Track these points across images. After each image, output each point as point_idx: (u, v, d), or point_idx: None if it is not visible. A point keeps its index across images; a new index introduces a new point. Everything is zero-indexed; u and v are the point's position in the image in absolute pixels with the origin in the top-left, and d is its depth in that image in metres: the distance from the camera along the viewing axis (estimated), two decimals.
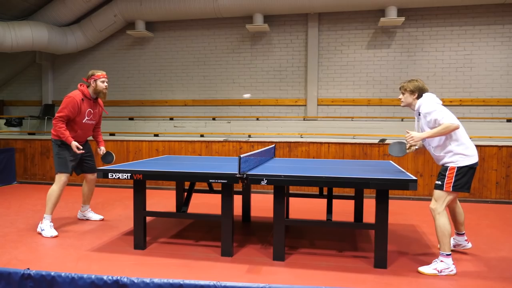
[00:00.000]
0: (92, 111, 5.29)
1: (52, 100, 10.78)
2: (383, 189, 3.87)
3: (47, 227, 5.06)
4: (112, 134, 9.66)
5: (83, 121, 5.23)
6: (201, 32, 9.96)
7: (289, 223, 4.37)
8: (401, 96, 4.11)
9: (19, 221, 5.73)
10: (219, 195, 5.25)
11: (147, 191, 4.64)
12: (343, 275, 3.80)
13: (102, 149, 5.55)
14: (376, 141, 7.97)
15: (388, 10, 8.52)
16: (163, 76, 10.23)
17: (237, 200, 5.93)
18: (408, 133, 3.93)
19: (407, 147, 4.35)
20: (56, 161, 5.18)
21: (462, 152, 3.82)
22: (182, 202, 5.39)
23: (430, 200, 7.52)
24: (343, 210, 6.25)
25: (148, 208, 4.76)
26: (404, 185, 3.68)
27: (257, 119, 9.53)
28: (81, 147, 5.14)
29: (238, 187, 6.92)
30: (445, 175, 3.84)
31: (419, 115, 3.98)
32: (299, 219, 5.66)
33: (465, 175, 3.82)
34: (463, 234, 4.49)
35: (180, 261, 4.14)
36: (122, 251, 4.45)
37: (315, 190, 7.31)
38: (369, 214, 5.60)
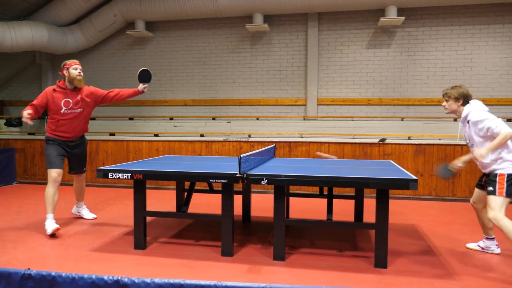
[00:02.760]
0: (71, 101, 5.27)
1: None
2: (384, 189, 3.87)
3: (48, 224, 5.07)
4: (112, 134, 9.65)
5: (62, 111, 5.26)
6: (201, 32, 9.96)
7: (289, 223, 4.37)
8: (444, 103, 4.18)
9: (19, 221, 5.73)
10: (219, 195, 5.26)
11: (147, 191, 4.64)
12: (343, 274, 3.80)
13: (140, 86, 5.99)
14: (376, 140, 7.98)
15: (388, 9, 8.52)
16: (163, 76, 10.23)
17: (237, 200, 5.93)
18: (474, 153, 3.94)
19: (453, 166, 4.37)
20: (45, 158, 5.33)
21: (511, 159, 3.90)
22: (182, 202, 5.39)
23: (430, 199, 7.54)
24: (343, 210, 6.25)
25: (148, 208, 4.77)
26: (404, 184, 3.69)
27: (257, 119, 9.53)
28: (28, 115, 4.99)
29: (238, 187, 6.92)
30: (495, 181, 3.89)
31: (468, 122, 4.03)
32: (299, 218, 5.66)
33: None
34: (493, 238, 4.48)
35: (180, 261, 4.15)
36: (123, 251, 4.45)
37: (315, 190, 7.32)
38: (369, 214, 5.60)
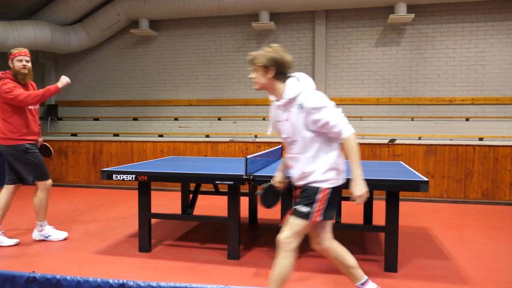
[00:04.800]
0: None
1: (55, 100, 10.84)
2: (394, 191, 3.86)
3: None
4: (116, 135, 9.70)
5: (29, 107, 4.82)
6: (206, 31, 9.98)
7: None
8: (252, 74, 2.90)
9: (22, 223, 5.78)
10: (225, 197, 5.26)
11: (152, 192, 4.66)
12: None
13: (40, 140, 5.13)
14: (386, 141, 7.96)
15: (397, 6, 8.50)
16: (168, 75, 10.27)
17: (244, 202, 5.94)
18: (353, 192, 2.76)
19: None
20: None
21: (336, 166, 2.88)
22: (188, 204, 5.41)
23: (441, 202, 7.52)
24: (352, 212, 6.24)
25: (153, 210, 4.79)
26: (415, 186, 3.68)
27: (264, 119, 9.52)
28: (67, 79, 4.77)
29: (244, 188, 6.94)
30: (314, 199, 2.84)
31: (301, 108, 2.76)
32: None
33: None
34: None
35: (186, 264, 4.16)
36: (127, 254, 4.47)
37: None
38: (379, 216, 5.59)
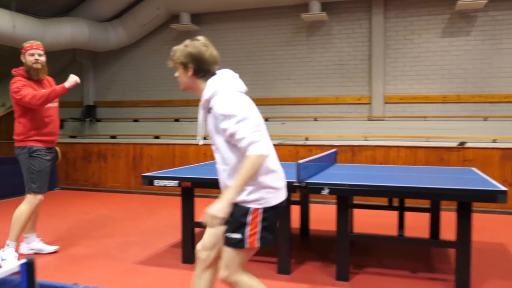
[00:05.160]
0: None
1: (94, 101, 11.18)
2: (466, 201, 3.72)
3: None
4: (156, 137, 9.89)
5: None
6: (252, 24, 10.02)
7: (354, 238, 4.31)
8: (176, 73, 2.77)
9: (61, 230, 5.97)
10: None
11: (196, 199, 4.70)
12: None
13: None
14: (455, 144, 7.72)
15: None
16: None
17: (294, 211, 5.91)
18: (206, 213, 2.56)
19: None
20: (34, 176, 4.71)
21: (269, 184, 2.66)
22: None
23: None
24: (417, 225, 6.08)
25: (196, 219, 4.82)
26: (491, 197, 3.53)
27: (315, 119, 9.46)
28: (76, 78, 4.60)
29: (295, 196, 6.90)
30: (245, 222, 2.62)
31: (210, 111, 2.65)
32: (365, 233, 5.57)
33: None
34: None
35: None
36: (170, 265, 4.53)
37: (383, 201, 7.17)
38: (447, 230, 5.42)
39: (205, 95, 2.62)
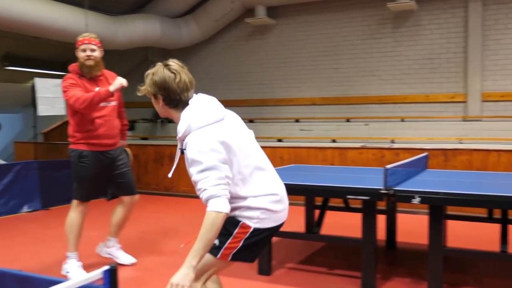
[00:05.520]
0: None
1: None
2: None
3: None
4: None
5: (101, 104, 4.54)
6: (332, 16, 9.93)
7: (448, 253, 4.16)
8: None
9: (133, 235, 6.18)
10: (358, 214, 5.17)
11: None
12: None
13: (122, 143, 4.94)
14: None
15: None
16: (288, 70, 10.38)
17: (380, 220, 5.80)
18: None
19: None
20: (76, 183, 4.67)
21: (259, 205, 2.66)
22: (313, 222, 5.39)
23: None
24: None
25: None
26: None
27: (403, 120, 9.26)
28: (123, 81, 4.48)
29: (381, 205, 6.76)
30: (230, 233, 2.67)
31: (183, 151, 2.63)
32: (461, 248, 5.34)
33: None
34: None
35: None
36: (245, 276, 4.57)
37: (481, 212, 6.87)
38: None
39: (179, 131, 2.57)
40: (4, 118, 12.87)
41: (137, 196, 4.93)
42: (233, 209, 2.57)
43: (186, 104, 2.62)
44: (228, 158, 2.50)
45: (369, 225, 4.14)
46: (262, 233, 2.62)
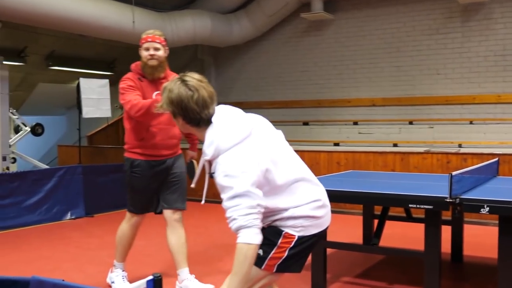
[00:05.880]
0: None
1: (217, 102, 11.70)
2: None
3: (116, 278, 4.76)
4: None
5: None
6: (395, 9, 9.86)
7: None
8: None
9: (201, 247, 6.21)
10: (420, 225, 5.12)
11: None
12: None
13: (190, 154, 4.83)
14: None
15: None
16: (345, 68, 10.36)
17: (445, 232, 5.73)
18: None
19: None
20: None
21: (303, 214, 2.71)
22: (372, 232, 5.38)
23: None
24: None
25: (328, 238, 4.84)
26: None
27: (471, 122, 9.13)
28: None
29: (446, 215, 6.67)
30: (275, 242, 2.69)
31: (211, 175, 2.62)
32: None
33: None
34: None
35: None
36: None
37: None
38: None
39: (207, 153, 2.54)
40: (48, 120, 13.16)
41: (177, 215, 4.56)
42: (274, 220, 2.62)
43: (208, 121, 2.58)
44: (262, 177, 2.50)
45: (432, 237, 4.11)
46: (307, 241, 2.64)
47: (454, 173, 3.89)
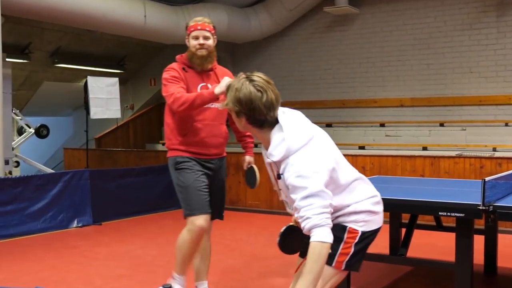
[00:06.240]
0: (210, 87, 4.23)
1: None
2: None
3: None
4: None
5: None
6: (424, 3, 9.86)
7: None
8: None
9: (230, 262, 6.13)
10: (451, 234, 5.14)
11: None
12: None
13: (248, 160, 4.64)
14: None
15: None
16: (371, 66, 10.37)
17: (478, 242, 5.73)
18: None
19: None
20: (181, 196, 4.31)
21: (365, 208, 2.90)
22: (399, 242, 5.40)
23: None
24: None
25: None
26: None
27: (506, 124, 9.14)
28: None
29: (479, 223, 6.67)
30: (341, 238, 2.85)
31: (280, 176, 2.72)
32: None
33: None
34: None
35: None
36: None
37: None
38: None
39: (274, 154, 2.65)
40: (53, 121, 13.17)
41: (211, 225, 4.42)
42: (337, 217, 2.77)
43: (271, 123, 2.69)
44: (329, 177, 2.62)
45: (464, 247, 4.13)
46: (368, 237, 2.84)
47: (487, 178, 3.91)
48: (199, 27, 4.20)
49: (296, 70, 11.14)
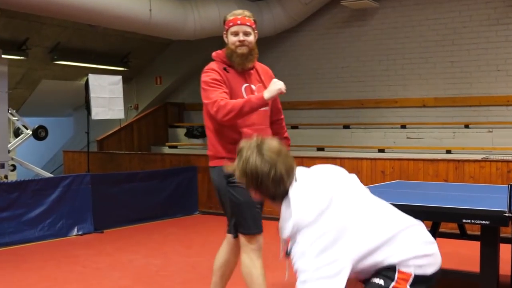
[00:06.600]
0: (254, 88, 4.15)
1: None
2: None
3: None
4: (320, 149, 10.12)
5: None
6: None
7: None
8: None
9: (202, 266, 6.18)
10: (476, 243, 5.17)
11: None
12: None
13: None
14: None
15: None
16: (392, 63, 10.38)
17: (504, 251, 5.76)
18: None
19: None
20: (236, 213, 4.13)
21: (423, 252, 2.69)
22: None
23: None
24: None
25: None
26: None
27: None
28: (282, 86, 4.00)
29: (506, 231, 6.69)
30: (393, 278, 2.61)
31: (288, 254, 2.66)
32: None
33: None
34: None
35: None
36: None
37: None
38: None
39: (283, 232, 2.61)
40: (52, 122, 13.05)
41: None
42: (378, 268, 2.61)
43: (283, 195, 2.62)
44: (347, 249, 2.50)
45: (489, 257, 4.16)
46: (422, 284, 2.59)
47: None
48: (238, 22, 4.01)
49: (311, 68, 11.15)
